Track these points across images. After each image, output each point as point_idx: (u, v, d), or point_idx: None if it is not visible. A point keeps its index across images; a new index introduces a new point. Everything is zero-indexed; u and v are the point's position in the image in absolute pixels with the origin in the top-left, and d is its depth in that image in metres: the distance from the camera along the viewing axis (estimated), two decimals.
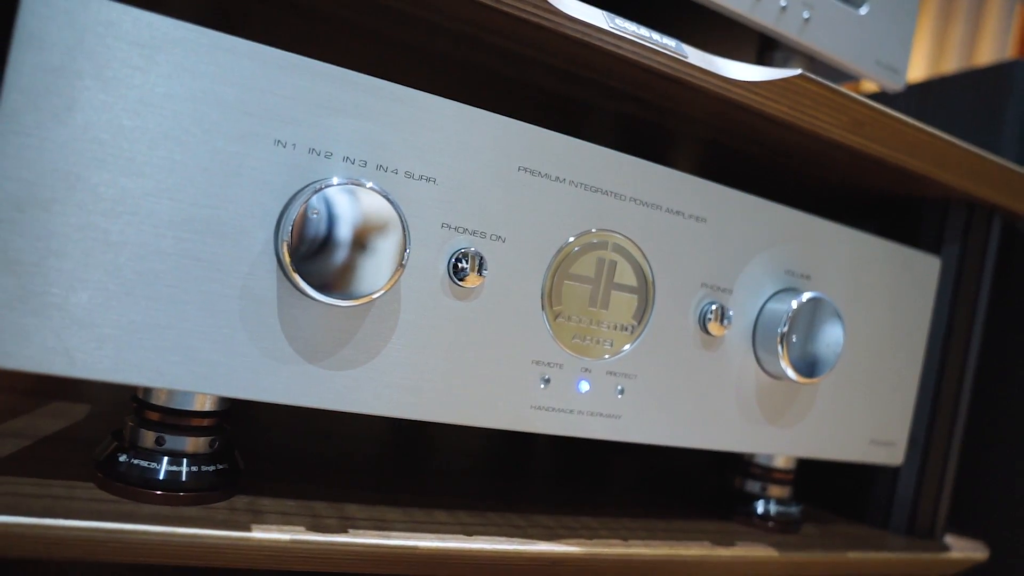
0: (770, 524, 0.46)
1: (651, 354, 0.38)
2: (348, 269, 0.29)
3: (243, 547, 0.29)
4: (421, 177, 0.31)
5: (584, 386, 0.36)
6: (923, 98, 0.65)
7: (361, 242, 0.29)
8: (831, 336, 0.42)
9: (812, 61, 0.49)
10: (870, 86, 0.58)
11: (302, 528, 0.30)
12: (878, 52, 0.49)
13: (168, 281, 0.27)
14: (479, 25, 0.35)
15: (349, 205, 0.28)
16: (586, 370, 0.36)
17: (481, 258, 0.32)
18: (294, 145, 0.29)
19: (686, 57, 0.37)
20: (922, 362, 0.50)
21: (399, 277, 0.30)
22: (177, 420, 0.31)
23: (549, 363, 0.35)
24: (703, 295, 0.39)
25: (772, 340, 0.40)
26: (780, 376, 0.41)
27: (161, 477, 0.30)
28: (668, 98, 0.41)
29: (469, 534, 0.34)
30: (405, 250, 0.30)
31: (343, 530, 0.31)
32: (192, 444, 0.31)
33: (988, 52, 2.09)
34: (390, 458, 0.46)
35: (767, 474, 0.47)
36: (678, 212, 0.38)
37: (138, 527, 0.27)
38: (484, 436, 0.58)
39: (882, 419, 0.47)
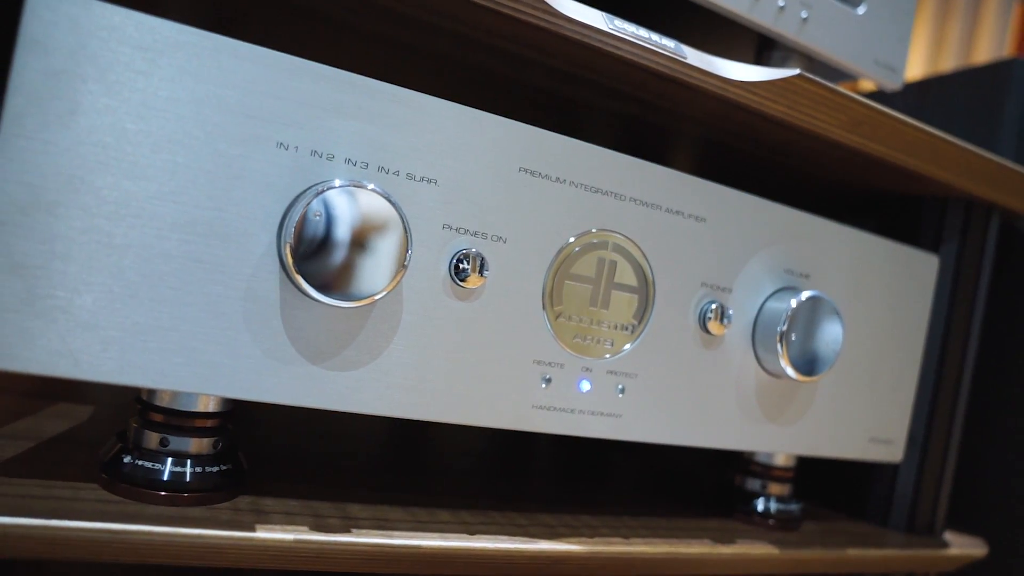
0: (770, 522, 0.46)
1: (651, 353, 0.38)
2: (350, 270, 0.29)
3: (247, 547, 0.29)
4: (422, 179, 0.32)
5: (585, 385, 0.36)
6: (921, 97, 0.65)
7: (363, 243, 0.29)
8: (830, 334, 0.42)
9: (810, 61, 0.49)
10: (868, 85, 0.58)
11: (305, 528, 0.30)
12: (876, 51, 0.49)
13: (171, 283, 0.27)
14: (479, 27, 0.35)
15: (351, 207, 0.29)
16: (587, 369, 0.36)
17: (482, 259, 0.32)
18: (296, 148, 0.29)
19: (685, 58, 0.37)
20: (921, 360, 0.50)
21: (401, 278, 0.30)
22: (181, 421, 0.31)
23: (550, 363, 0.35)
24: (703, 294, 0.39)
25: (772, 339, 0.40)
26: (780, 374, 0.41)
27: (165, 478, 0.30)
28: (667, 98, 0.41)
29: (472, 533, 0.34)
30: (407, 251, 0.30)
31: (346, 530, 0.31)
32: (196, 445, 0.31)
33: (985, 51, 2.09)
34: (392, 458, 0.46)
35: (767, 472, 0.47)
36: (678, 212, 0.38)
37: (143, 528, 0.27)
38: (486, 436, 0.58)
39: (881, 417, 0.48)
